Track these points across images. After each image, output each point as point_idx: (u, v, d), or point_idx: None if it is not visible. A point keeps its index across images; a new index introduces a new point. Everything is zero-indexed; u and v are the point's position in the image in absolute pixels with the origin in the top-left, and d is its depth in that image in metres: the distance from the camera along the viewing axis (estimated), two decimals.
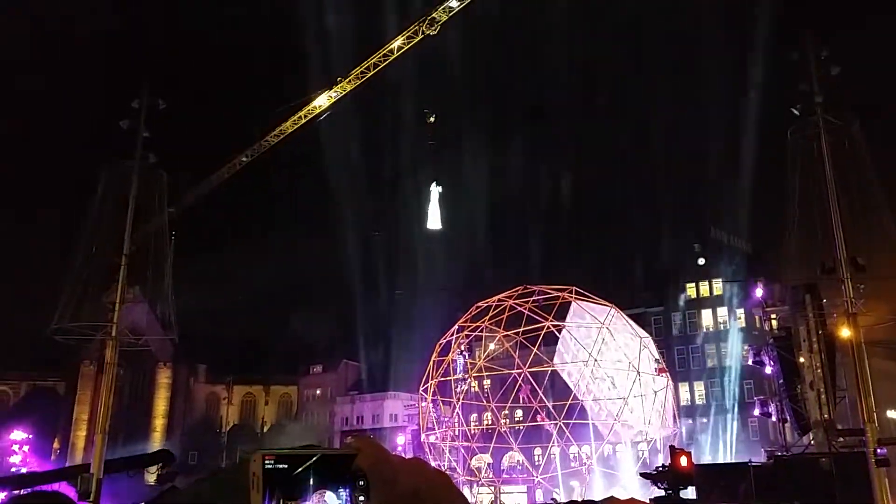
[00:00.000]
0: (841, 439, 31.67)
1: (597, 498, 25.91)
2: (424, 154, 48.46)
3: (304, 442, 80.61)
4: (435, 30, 43.90)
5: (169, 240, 29.47)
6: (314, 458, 1.17)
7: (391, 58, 46.79)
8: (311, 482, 1.15)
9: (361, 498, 1.14)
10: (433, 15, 43.67)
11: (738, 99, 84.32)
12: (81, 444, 76.46)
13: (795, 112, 27.02)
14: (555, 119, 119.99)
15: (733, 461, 38.49)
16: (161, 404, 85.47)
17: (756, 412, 40.60)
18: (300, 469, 1.14)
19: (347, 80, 48.88)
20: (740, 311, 63.46)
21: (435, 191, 46.44)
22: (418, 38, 44.82)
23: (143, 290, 30.68)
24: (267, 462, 1.17)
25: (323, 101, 50.36)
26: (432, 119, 45.88)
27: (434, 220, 46.66)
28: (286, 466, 1.16)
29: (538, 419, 52.89)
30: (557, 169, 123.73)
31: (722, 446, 58.36)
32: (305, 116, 51.58)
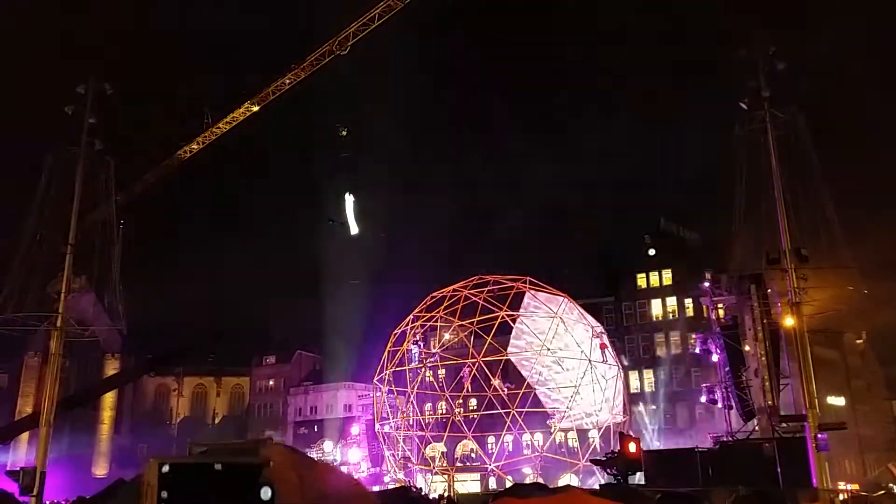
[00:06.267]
0: (784, 425, 32.64)
1: (550, 485, 26.27)
2: (345, 160, 49.44)
3: (253, 434, 79.85)
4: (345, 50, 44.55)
5: (117, 228, 28.86)
6: (217, 469, 1.05)
7: (346, 45, 46.54)
8: (215, 493, 1.04)
9: None
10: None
11: (689, 93, 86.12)
12: (25, 437, 74.12)
13: (743, 106, 27.66)
14: (505, 115, 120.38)
15: (680, 447, 39.30)
16: (109, 396, 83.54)
17: (703, 399, 41.49)
18: (201, 479, 1.03)
19: (301, 66, 48.47)
20: (688, 301, 64.72)
21: (349, 200, 47.48)
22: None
23: (90, 280, 29.93)
24: (163, 470, 1.04)
25: (277, 86, 49.86)
26: (344, 133, 47.19)
27: (353, 227, 47.86)
28: (184, 476, 1.04)
29: (494, 400, 53.23)
30: (510, 162, 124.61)
31: (670, 433, 59.57)
32: (259, 102, 51.13)
